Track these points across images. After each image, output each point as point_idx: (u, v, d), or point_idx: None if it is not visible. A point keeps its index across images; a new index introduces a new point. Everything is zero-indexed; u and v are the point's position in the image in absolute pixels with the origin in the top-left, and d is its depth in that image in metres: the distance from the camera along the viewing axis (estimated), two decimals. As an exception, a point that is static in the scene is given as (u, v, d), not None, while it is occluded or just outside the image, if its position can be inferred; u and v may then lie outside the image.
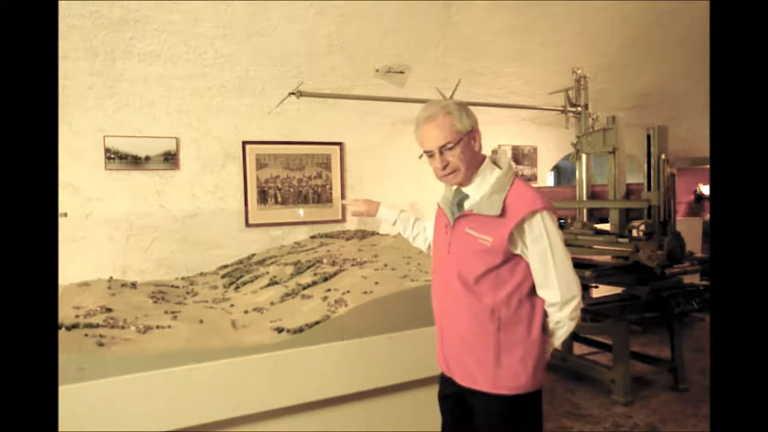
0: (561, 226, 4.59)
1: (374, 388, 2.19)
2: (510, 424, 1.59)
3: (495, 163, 1.63)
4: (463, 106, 1.59)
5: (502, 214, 1.51)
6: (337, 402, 2.13)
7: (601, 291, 3.92)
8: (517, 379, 1.55)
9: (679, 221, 4.04)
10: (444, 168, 1.57)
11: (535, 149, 6.11)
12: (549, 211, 1.53)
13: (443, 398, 1.76)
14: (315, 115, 4.69)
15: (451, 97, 3.66)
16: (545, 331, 1.59)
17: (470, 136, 1.58)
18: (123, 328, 2.04)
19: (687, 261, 3.78)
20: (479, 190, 1.59)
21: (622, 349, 3.48)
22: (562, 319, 1.56)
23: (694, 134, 6.91)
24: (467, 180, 1.60)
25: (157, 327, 2.07)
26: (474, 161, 1.59)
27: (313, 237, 4.18)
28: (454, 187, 1.67)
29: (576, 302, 1.55)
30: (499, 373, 1.55)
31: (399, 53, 4.47)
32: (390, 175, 5.12)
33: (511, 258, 1.54)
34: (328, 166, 4.87)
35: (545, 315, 1.58)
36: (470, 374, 1.60)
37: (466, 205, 1.61)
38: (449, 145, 1.55)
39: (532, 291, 1.56)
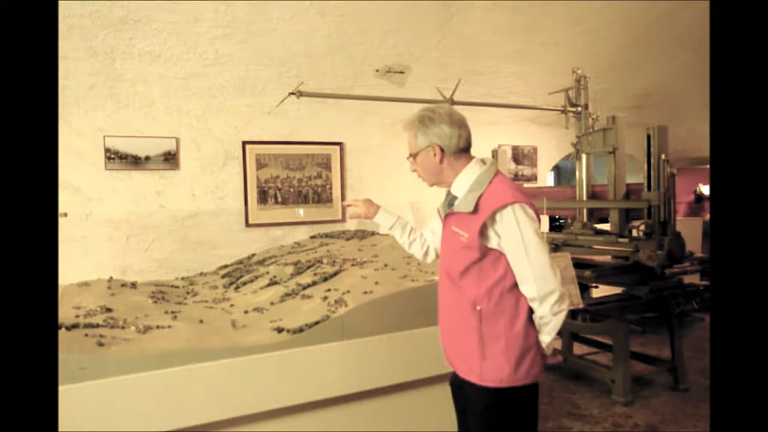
0: (560, 226, 4.61)
1: (374, 388, 2.19)
2: (496, 417, 1.62)
3: (485, 162, 1.71)
4: (427, 123, 1.67)
5: (476, 210, 1.58)
6: (337, 402, 2.13)
7: (601, 291, 3.92)
8: (500, 372, 1.58)
9: (679, 221, 4.04)
10: (413, 171, 1.79)
11: (535, 149, 6.11)
12: (522, 204, 1.56)
13: (451, 386, 1.82)
14: (315, 115, 4.69)
15: (452, 96, 3.66)
16: (534, 326, 1.62)
17: (428, 151, 1.68)
18: (123, 328, 2.04)
19: (687, 261, 3.78)
20: (461, 190, 1.67)
21: (622, 349, 3.48)
22: (545, 314, 1.57)
23: (694, 134, 6.91)
24: (439, 183, 1.74)
25: (157, 327, 2.07)
26: (437, 172, 1.71)
27: (313, 237, 4.18)
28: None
29: (555, 297, 1.55)
30: (484, 365, 1.61)
31: (399, 53, 4.47)
32: (390, 175, 5.12)
33: (489, 252, 1.59)
34: (328, 166, 4.87)
35: (531, 310, 1.60)
36: (463, 365, 1.68)
37: (455, 204, 1.69)
38: (410, 156, 1.76)
39: (516, 285, 1.59)
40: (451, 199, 1.73)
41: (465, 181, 1.67)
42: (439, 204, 1.83)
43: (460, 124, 1.68)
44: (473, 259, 1.59)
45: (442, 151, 1.67)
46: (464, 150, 1.70)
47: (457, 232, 1.64)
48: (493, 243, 1.58)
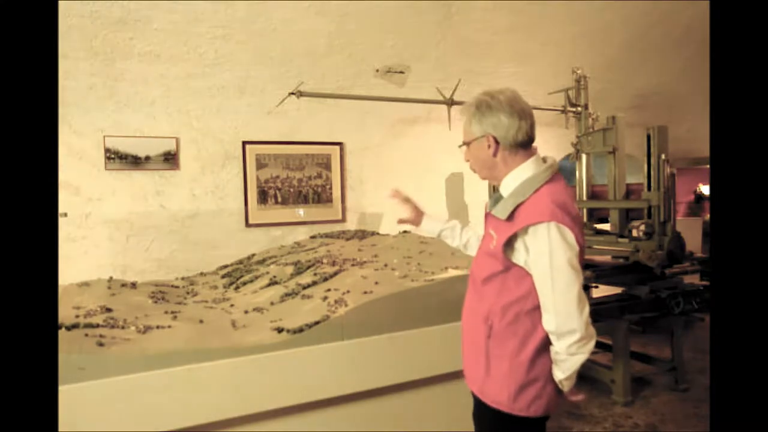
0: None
1: (374, 388, 2.19)
2: None
3: (545, 161, 1.54)
4: (483, 110, 1.51)
5: (511, 219, 1.44)
6: (337, 402, 2.13)
7: (601, 291, 3.92)
8: (499, 395, 1.48)
9: (679, 221, 4.04)
10: (467, 161, 1.61)
11: (535, 149, 6.11)
12: (561, 225, 1.38)
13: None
14: (315, 115, 4.69)
15: (452, 96, 3.66)
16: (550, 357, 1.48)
17: (481, 141, 1.52)
18: (123, 328, 2.04)
19: (687, 261, 3.79)
20: (508, 191, 1.52)
21: (622, 349, 3.48)
22: (560, 351, 1.41)
23: (694, 134, 6.91)
24: (492, 179, 1.59)
25: (157, 327, 2.07)
26: (490, 165, 1.54)
27: (313, 237, 4.18)
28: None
29: (575, 338, 1.37)
30: (487, 382, 1.52)
31: (399, 53, 4.47)
32: (390, 175, 5.11)
33: (513, 266, 1.45)
34: (328, 166, 4.87)
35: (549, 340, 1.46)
36: (470, 374, 1.61)
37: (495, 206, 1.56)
38: (464, 145, 1.59)
39: (538, 307, 1.44)
40: (497, 197, 1.56)
41: (513, 182, 1.50)
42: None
43: (522, 115, 1.49)
44: (496, 269, 1.47)
45: (497, 143, 1.49)
46: (523, 144, 1.51)
47: (492, 234, 1.51)
48: (519, 258, 1.44)
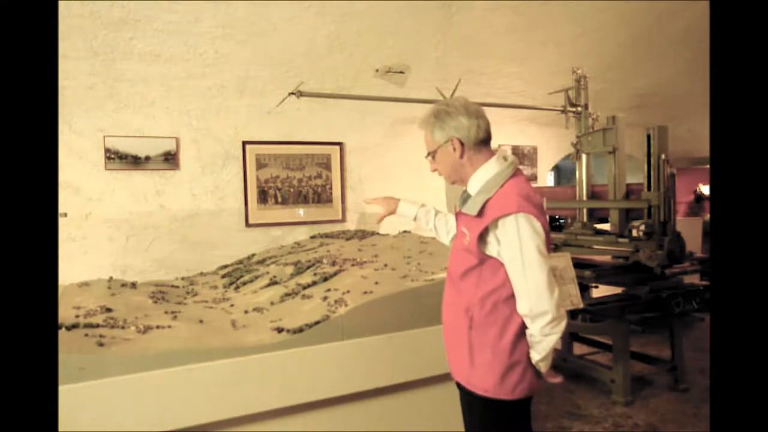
0: (560, 227, 4.60)
1: (374, 388, 2.19)
2: (487, 423, 1.62)
3: (506, 159, 1.62)
4: (442, 117, 1.59)
5: (481, 214, 1.53)
6: (337, 402, 2.13)
7: (601, 291, 3.92)
8: (485, 382, 1.56)
9: (679, 221, 4.04)
10: (434, 171, 1.71)
11: (535, 149, 6.11)
12: (528, 215, 1.48)
13: (456, 383, 1.78)
14: (315, 115, 4.69)
15: (452, 96, 3.66)
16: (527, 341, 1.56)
17: (447, 147, 1.60)
18: (123, 328, 2.04)
19: (687, 261, 3.78)
20: (475, 189, 1.60)
21: (622, 349, 3.48)
22: (535, 333, 1.50)
23: (694, 134, 6.92)
24: (460, 181, 1.68)
25: (157, 327, 2.07)
26: (458, 168, 1.63)
27: (313, 237, 4.18)
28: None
29: (547, 318, 1.47)
30: (472, 372, 1.59)
31: (399, 53, 4.47)
32: (390, 175, 5.11)
33: (489, 259, 1.54)
34: (328, 166, 4.87)
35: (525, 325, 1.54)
36: (455, 367, 1.68)
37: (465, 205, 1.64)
38: (429, 154, 1.68)
39: (514, 296, 1.53)
40: (465, 197, 1.66)
41: (479, 180, 1.59)
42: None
43: (478, 115, 1.60)
44: (471, 264, 1.56)
45: (462, 144, 1.59)
46: (484, 142, 1.61)
47: (464, 232, 1.60)
48: (492, 250, 1.53)
